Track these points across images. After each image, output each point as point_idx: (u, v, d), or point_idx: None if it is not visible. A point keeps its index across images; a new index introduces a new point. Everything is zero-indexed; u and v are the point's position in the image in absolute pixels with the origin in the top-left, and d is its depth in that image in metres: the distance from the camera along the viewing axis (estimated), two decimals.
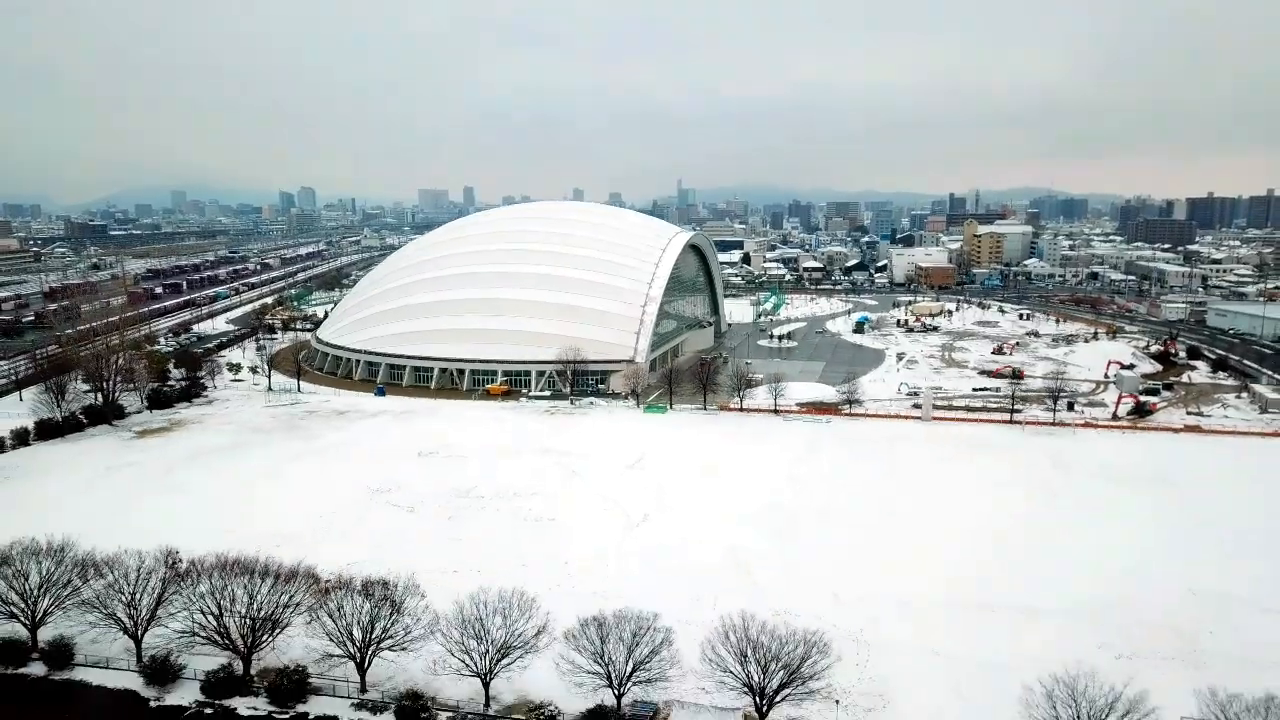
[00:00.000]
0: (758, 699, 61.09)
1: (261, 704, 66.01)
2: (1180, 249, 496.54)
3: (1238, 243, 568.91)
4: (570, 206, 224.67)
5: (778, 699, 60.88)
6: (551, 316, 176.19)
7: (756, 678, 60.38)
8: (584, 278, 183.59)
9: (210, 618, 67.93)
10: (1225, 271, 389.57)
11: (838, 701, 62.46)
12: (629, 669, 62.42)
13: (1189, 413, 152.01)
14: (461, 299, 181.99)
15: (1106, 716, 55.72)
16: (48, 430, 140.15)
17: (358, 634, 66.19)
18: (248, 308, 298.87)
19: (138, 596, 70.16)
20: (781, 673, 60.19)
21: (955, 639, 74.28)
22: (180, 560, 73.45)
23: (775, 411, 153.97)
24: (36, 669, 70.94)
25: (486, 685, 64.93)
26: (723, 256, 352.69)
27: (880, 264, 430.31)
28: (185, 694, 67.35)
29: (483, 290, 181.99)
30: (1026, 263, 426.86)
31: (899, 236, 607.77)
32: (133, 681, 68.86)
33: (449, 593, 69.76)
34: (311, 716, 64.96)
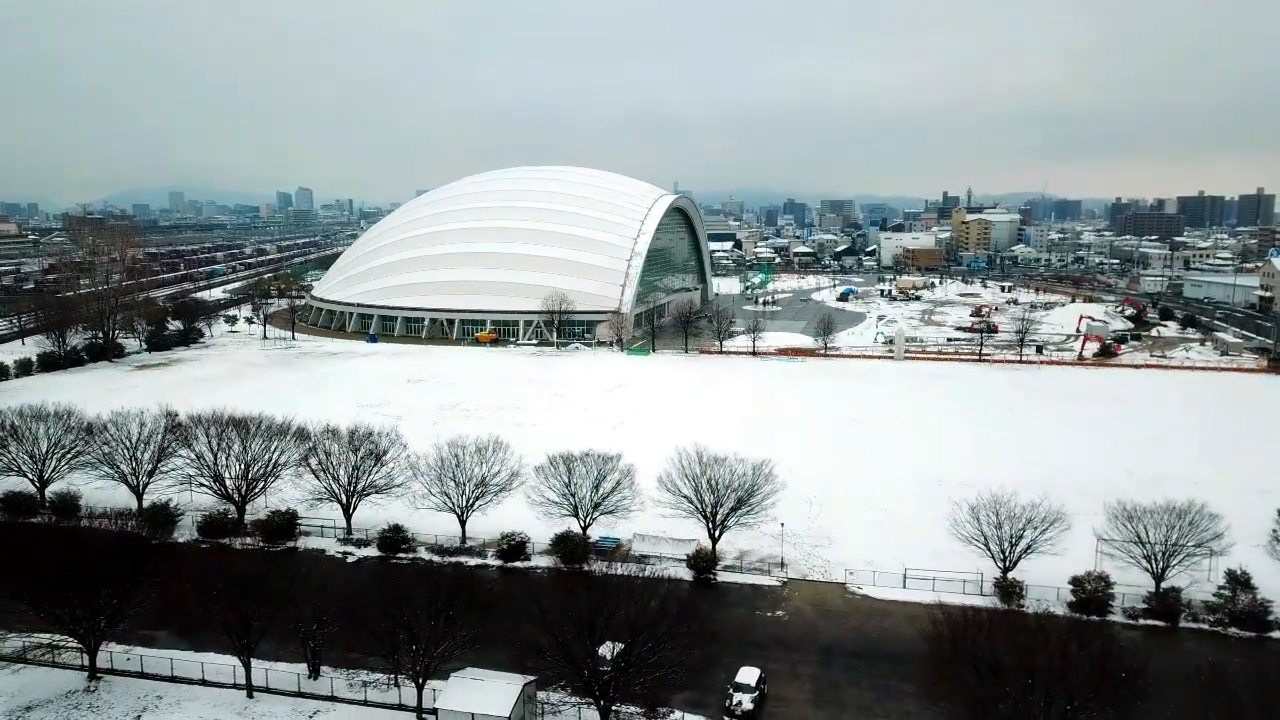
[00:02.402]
0: (710, 524, 66.36)
1: (254, 542, 71.07)
2: (1168, 240, 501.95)
3: (1225, 235, 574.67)
4: (560, 169, 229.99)
5: (729, 523, 66.15)
6: (540, 269, 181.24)
7: (709, 501, 65.62)
8: (572, 233, 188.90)
9: (206, 466, 73.06)
10: (1208, 255, 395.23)
11: (783, 525, 67.72)
12: (593, 501, 67.67)
13: (1153, 355, 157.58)
14: (453, 253, 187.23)
15: (1024, 528, 61.14)
16: (50, 363, 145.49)
17: (344, 477, 71.38)
18: (244, 283, 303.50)
19: (139, 451, 75.33)
20: (732, 498, 65.45)
21: (900, 503, 79.89)
22: (179, 418, 78.55)
23: (754, 353, 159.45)
24: (44, 520, 75.85)
25: (463, 522, 70.14)
26: (715, 246, 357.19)
27: (870, 249, 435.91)
28: (183, 535, 72.50)
29: (474, 245, 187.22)
30: (1014, 248, 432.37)
31: (890, 226, 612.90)
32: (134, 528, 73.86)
33: (430, 446, 74.77)
34: (300, 549, 70.19)
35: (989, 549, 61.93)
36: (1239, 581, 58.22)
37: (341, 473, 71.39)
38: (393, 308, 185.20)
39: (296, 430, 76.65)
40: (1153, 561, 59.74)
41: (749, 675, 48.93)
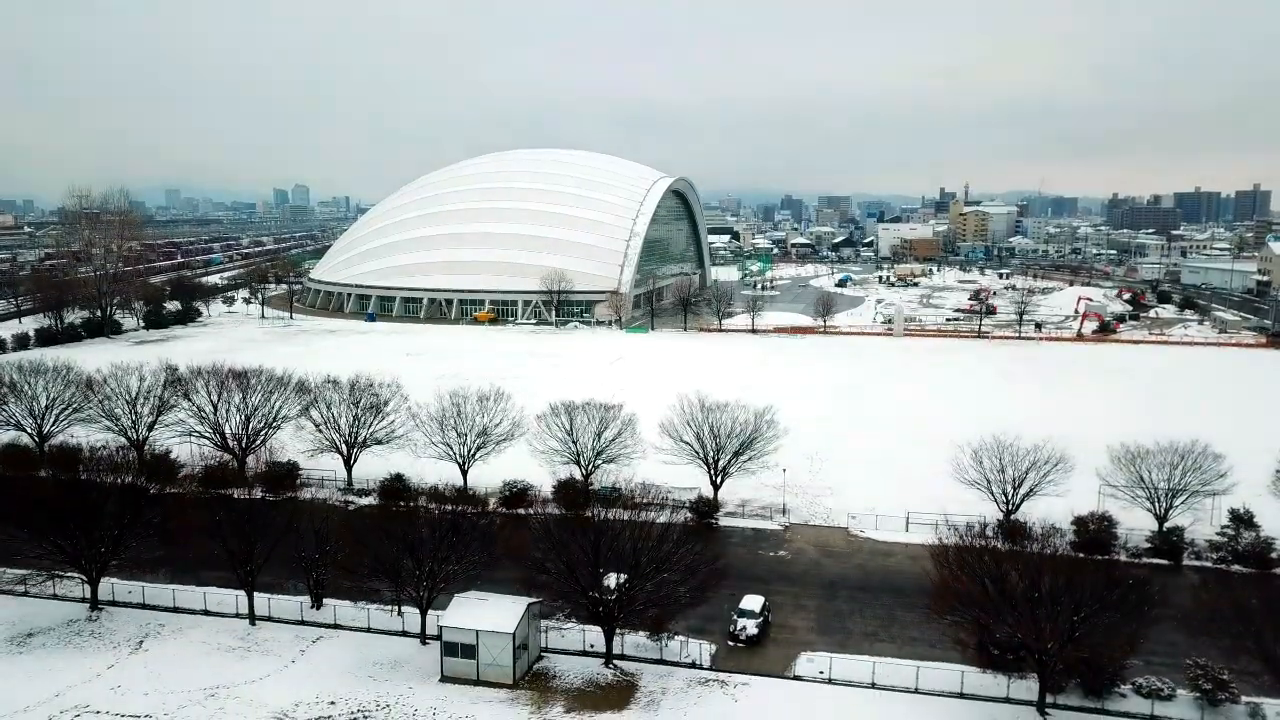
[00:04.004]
0: (712, 471, 66.25)
1: (256, 493, 70.71)
2: (1164, 234, 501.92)
3: (1222, 229, 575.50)
4: (559, 151, 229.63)
5: (731, 469, 66.04)
6: (539, 250, 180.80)
7: (711, 447, 65.52)
8: (571, 213, 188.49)
9: (206, 418, 72.78)
10: (1204, 247, 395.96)
11: (784, 470, 67.64)
12: (595, 449, 67.48)
13: (1151, 332, 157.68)
14: (451, 233, 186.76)
15: (1028, 470, 61.10)
16: (47, 338, 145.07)
17: (344, 428, 71.16)
18: (241, 271, 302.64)
19: (139, 404, 75.00)
20: (734, 443, 65.34)
21: (902, 457, 79.92)
22: (178, 371, 78.30)
23: (753, 331, 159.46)
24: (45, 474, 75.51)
25: (465, 472, 69.94)
26: (713, 239, 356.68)
27: (867, 240, 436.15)
28: (183, 487, 72.09)
29: (472, 225, 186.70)
30: (1011, 239, 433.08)
31: (887, 218, 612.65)
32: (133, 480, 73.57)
33: (431, 396, 74.62)
34: (301, 499, 69.92)
35: (992, 493, 61.89)
36: (1242, 520, 58.26)
37: (342, 423, 71.18)
38: (391, 288, 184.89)
39: (297, 383, 76.36)
40: (1156, 502, 59.73)
41: (753, 602, 48.86)
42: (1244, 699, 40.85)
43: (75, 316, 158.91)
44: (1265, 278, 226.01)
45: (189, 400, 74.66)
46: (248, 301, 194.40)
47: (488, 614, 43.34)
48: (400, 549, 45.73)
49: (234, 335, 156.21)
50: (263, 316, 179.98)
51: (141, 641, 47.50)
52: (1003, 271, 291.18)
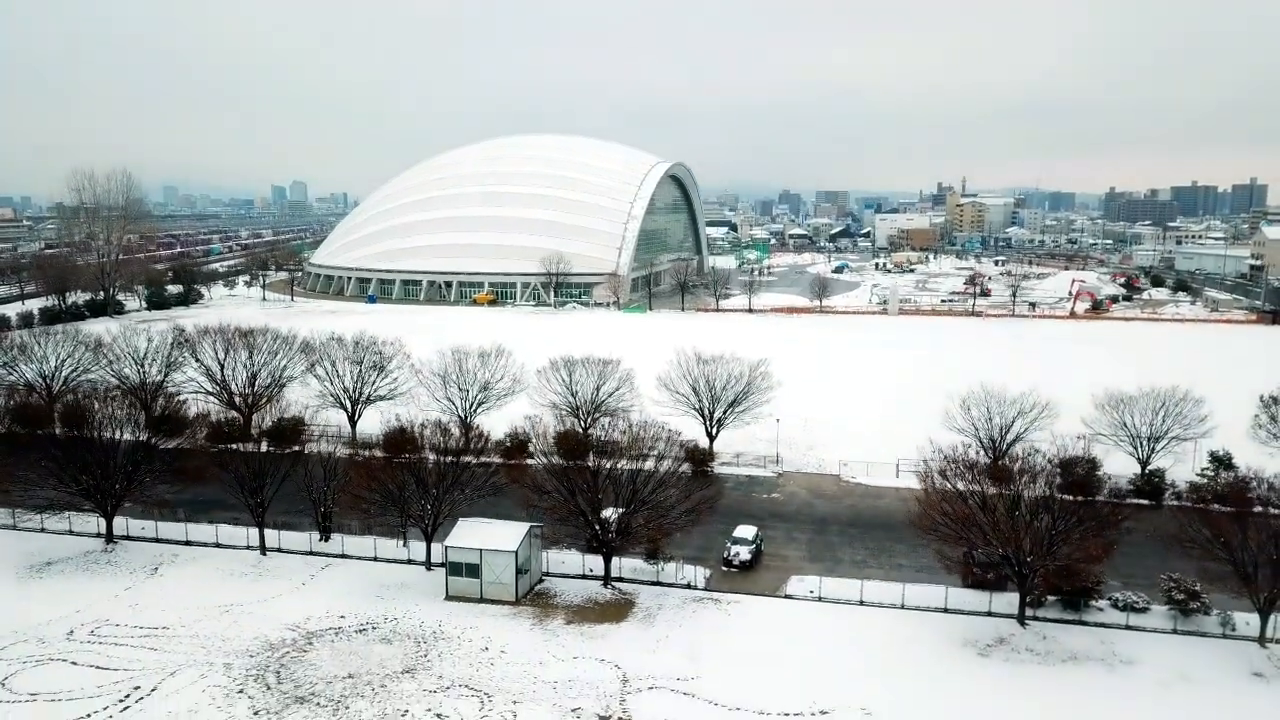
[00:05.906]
0: (707, 423, 68.04)
1: (262, 448, 72.42)
2: (1161, 225, 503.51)
3: (1219, 221, 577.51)
4: (557, 137, 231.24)
5: (726, 419, 67.84)
6: (537, 233, 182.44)
7: (707, 398, 67.34)
8: (570, 197, 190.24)
9: (213, 378, 74.49)
10: (1199, 238, 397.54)
11: (778, 420, 69.45)
12: (594, 401, 69.25)
13: (1144, 311, 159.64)
14: (450, 217, 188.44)
15: (1015, 417, 62.89)
16: (52, 317, 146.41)
17: (349, 383, 72.89)
18: (242, 260, 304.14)
19: (147, 363, 76.66)
20: (730, 393, 67.18)
21: (893, 417, 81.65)
22: (185, 332, 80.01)
23: (750, 311, 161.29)
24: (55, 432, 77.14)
25: (468, 426, 71.54)
26: (711, 231, 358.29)
27: (864, 231, 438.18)
28: (190, 443, 73.82)
29: (471, 209, 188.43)
30: (1008, 230, 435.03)
31: (885, 210, 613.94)
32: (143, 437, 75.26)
33: (434, 353, 76.37)
34: (307, 451, 71.53)
35: (979, 439, 63.48)
36: (1221, 461, 60.02)
37: (347, 379, 72.88)
38: (390, 271, 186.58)
39: (302, 343, 78.08)
40: (1139, 446, 61.47)
41: (746, 531, 50.73)
42: (1215, 611, 42.65)
43: (78, 298, 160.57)
44: (1258, 261, 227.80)
45: (196, 360, 76.26)
46: (249, 285, 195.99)
47: (491, 535, 45.13)
48: (408, 475, 47.50)
49: (236, 315, 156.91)
50: (264, 299, 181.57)
51: (156, 568, 49.31)
52: (999, 259, 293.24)
